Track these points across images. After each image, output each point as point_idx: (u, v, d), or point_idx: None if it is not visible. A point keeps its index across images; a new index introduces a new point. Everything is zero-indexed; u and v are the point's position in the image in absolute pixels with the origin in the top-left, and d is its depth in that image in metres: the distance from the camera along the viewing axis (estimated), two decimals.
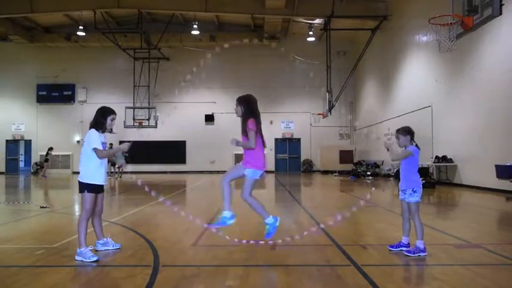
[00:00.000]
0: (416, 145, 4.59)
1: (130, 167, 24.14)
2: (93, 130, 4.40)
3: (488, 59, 11.85)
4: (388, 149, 4.75)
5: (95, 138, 4.35)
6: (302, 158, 27.35)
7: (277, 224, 4.55)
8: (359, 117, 26.12)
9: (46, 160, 22.07)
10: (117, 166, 20.92)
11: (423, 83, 16.05)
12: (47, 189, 15.04)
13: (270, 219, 4.53)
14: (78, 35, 24.39)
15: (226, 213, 4.49)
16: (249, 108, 4.55)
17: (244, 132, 4.47)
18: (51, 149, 22.28)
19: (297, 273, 3.78)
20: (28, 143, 28.01)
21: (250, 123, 4.42)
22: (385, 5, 19.97)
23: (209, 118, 26.08)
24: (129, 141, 4.86)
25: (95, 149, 4.31)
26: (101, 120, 4.44)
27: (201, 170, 25.63)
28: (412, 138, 4.54)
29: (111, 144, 4.65)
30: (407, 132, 4.54)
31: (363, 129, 24.87)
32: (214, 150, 26.09)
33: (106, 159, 4.49)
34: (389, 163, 4.19)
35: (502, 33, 11.15)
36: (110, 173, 20.79)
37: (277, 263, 4.13)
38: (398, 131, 4.61)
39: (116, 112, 4.64)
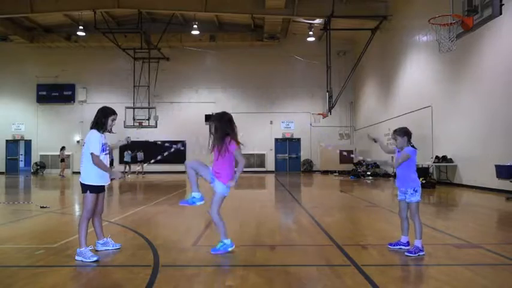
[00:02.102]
0: (413, 146, 4.60)
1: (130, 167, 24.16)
2: (94, 131, 4.39)
3: (488, 59, 11.86)
4: (375, 141, 4.77)
5: (95, 141, 4.32)
6: (302, 158, 27.35)
7: (230, 249, 4.46)
8: (359, 117, 26.12)
9: (62, 160, 22.42)
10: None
11: (423, 83, 16.06)
12: (48, 189, 15.05)
13: (228, 241, 4.46)
14: (78, 35, 24.40)
15: (196, 194, 4.47)
16: (222, 125, 4.43)
17: (218, 150, 4.37)
18: (63, 148, 22.67)
19: (297, 273, 3.78)
20: (28, 143, 28.00)
21: (233, 145, 4.36)
22: (385, 5, 19.98)
23: (209, 118, 26.03)
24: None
25: (92, 154, 4.30)
26: (103, 120, 4.44)
27: None
28: (409, 139, 4.55)
29: (109, 144, 4.64)
30: (404, 133, 4.54)
31: (362, 129, 24.87)
32: None
33: (108, 160, 4.48)
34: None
35: (502, 33, 11.16)
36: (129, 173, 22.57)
37: (277, 263, 4.13)
38: (395, 131, 4.61)
39: (117, 112, 4.65)
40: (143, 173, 23.61)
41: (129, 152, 22.97)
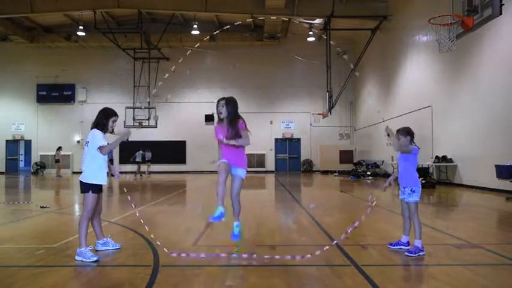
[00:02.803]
0: (416, 145, 4.60)
1: (129, 167, 24.23)
2: (96, 130, 4.41)
3: (488, 59, 11.86)
4: (389, 135, 4.74)
5: (100, 137, 4.36)
6: (302, 158, 27.35)
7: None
8: (359, 117, 26.12)
9: (57, 161, 22.38)
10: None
11: (423, 83, 16.05)
12: (48, 189, 15.05)
13: (238, 223, 4.71)
14: (78, 35, 24.40)
15: (223, 209, 4.45)
16: (236, 110, 4.63)
17: (232, 134, 4.50)
18: (59, 148, 22.65)
19: (297, 273, 3.78)
20: (28, 143, 28.01)
21: (243, 123, 4.55)
22: (385, 5, 19.97)
23: (209, 118, 26.04)
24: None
25: (100, 147, 4.31)
26: (103, 121, 4.45)
27: (201, 170, 25.63)
28: (412, 139, 4.55)
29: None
30: (407, 133, 4.54)
31: (362, 129, 24.87)
32: (214, 150, 25.82)
33: (106, 161, 4.49)
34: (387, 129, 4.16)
35: (502, 33, 11.16)
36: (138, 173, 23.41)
37: (277, 263, 4.13)
38: (398, 131, 4.61)
39: (118, 114, 4.65)
40: (149, 173, 23.85)
41: (141, 152, 23.55)
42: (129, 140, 4.81)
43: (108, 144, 4.42)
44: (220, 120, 4.65)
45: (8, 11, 21.45)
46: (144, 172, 23.92)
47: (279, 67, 26.75)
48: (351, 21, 21.48)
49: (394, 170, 5.06)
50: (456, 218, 7.52)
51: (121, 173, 20.70)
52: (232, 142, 4.50)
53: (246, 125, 4.60)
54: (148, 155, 24.09)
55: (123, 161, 25.56)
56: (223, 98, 4.61)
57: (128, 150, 23.98)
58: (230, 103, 4.57)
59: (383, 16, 19.84)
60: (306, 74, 26.48)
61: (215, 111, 4.76)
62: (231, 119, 4.53)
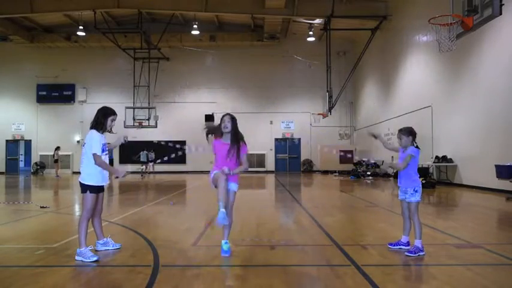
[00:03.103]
0: (417, 146, 4.60)
1: (129, 167, 24.24)
2: (94, 131, 4.39)
3: (488, 59, 11.86)
4: (375, 137, 4.73)
5: (96, 142, 4.33)
6: (302, 158, 27.35)
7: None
8: (359, 117, 26.12)
9: (56, 161, 22.38)
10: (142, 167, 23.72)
11: (423, 83, 16.06)
12: (48, 189, 15.05)
13: (226, 241, 4.42)
14: (78, 35, 24.41)
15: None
16: (237, 130, 4.44)
17: (233, 151, 4.35)
18: (58, 148, 22.63)
19: (297, 273, 3.78)
20: (28, 143, 28.01)
21: (245, 147, 4.43)
22: (385, 5, 19.98)
23: (209, 118, 26.04)
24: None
25: (94, 155, 4.30)
26: (102, 120, 4.43)
27: (201, 170, 25.63)
28: (414, 139, 4.54)
29: (108, 143, 4.63)
30: (409, 132, 4.54)
31: (362, 129, 24.86)
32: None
33: (107, 160, 4.47)
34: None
35: (502, 33, 11.16)
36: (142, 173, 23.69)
37: (277, 263, 4.13)
38: (400, 131, 4.60)
39: (116, 112, 4.64)
40: (149, 173, 23.94)
41: (145, 152, 23.73)
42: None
43: (103, 158, 4.37)
44: (219, 135, 4.46)
45: (8, 11, 21.46)
46: (146, 172, 24.01)
47: (279, 67, 26.77)
48: (350, 21, 21.48)
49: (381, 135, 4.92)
50: (456, 218, 7.52)
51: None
52: (237, 171, 4.42)
53: (247, 149, 4.49)
54: (151, 155, 24.22)
55: (123, 160, 25.59)
56: (227, 114, 4.47)
57: (133, 150, 23.93)
58: (235, 120, 4.45)
59: (383, 16, 19.85)
60: (306, 74, 26.49)
61: (211, 123, 4.61)
62: (234, 137, 4.39)
